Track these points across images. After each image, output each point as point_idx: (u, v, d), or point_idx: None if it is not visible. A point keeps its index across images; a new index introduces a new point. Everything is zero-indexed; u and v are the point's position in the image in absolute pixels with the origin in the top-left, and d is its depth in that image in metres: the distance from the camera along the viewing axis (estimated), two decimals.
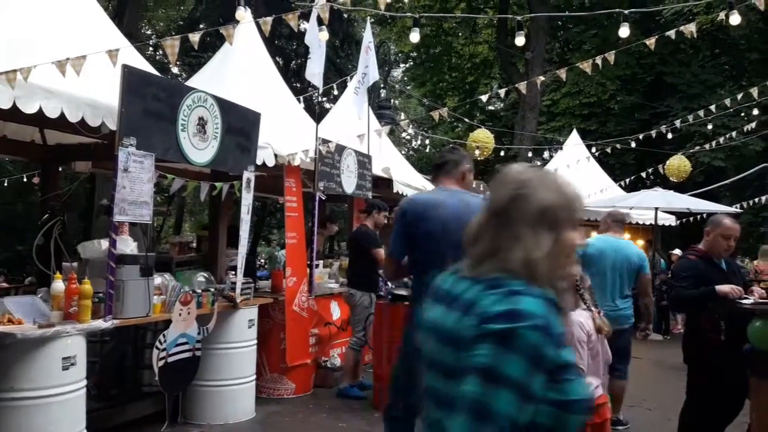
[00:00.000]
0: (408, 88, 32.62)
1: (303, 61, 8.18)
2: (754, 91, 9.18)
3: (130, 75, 4.34)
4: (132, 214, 4.44)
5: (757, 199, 16.70)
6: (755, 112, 13.30)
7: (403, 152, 23.61)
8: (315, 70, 7.04)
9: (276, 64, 10.31)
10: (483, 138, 13.73)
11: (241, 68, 7.29)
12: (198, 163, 5.10)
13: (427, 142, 23.23)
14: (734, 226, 4.51)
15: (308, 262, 6.91)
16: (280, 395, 6.38)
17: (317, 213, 7.05)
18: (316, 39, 6.59)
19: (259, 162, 5.89)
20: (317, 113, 8.19)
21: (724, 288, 4.23)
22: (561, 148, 14.97)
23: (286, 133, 6.81)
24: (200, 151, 5.06)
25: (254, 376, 5.78)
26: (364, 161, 7.87)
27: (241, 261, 5.65)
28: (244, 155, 5.59)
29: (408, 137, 30.39)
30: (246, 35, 7.52)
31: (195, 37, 4.84)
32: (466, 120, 22.40)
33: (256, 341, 5.79)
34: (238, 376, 5.57)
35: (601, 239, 6.08)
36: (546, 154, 15.65)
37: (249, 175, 5.65)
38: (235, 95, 5.76)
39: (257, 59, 7.69)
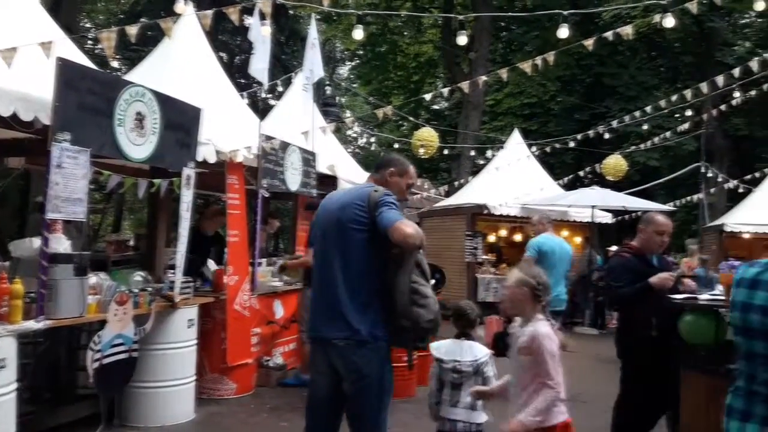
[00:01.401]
0: (354, 86, 32.60)
1: (247, 57, 8.09)
2: (688, 93, 9.54)
3: (64, 68, 4.21)
4: (66, 212, 4.31)
5: (689, 198, 17.36)
6: (688, 113, 13.83)
7: (349, 150, 23.61)
8: (259, 66, 6.97)
9: (220, 59, 10.17)
10: (427, 137, 13.83)
11: (181, 63, 7.15)
12: (135, 159, 4.98)
13: (372, 140, 23.27)
14: (667, 222, 4.67)
15: (251, 260, 6.84)
16: (221, 395, 6.29)
17: (260, 210, 6.97)
18: (260, 34, 6.52)
19: (200, 158, 5.79)
20: (261, 109, 8.12)
21: (655, 279, 4.37)
22: (503, 148, 15.21)
23: (228, 129, 6.72)
24: (138, 146, 4.94)
25: (194, 377, 5.68)
26: (308, 158, 7.83)
27: (180, 259, 5.54)
28: (184, 151, 5.48)
29: (354, 135, 30.43)
30: (188, 29, 7.38)
31: (132, 30, 4.73)
32: (411, 119, 22.53)
33: (196, 341, 5.69)
34: (177, 377, 5.46)
35: (549, 238, 7.20)
36: (489, 153, 15.88)
37: (189, 171, 5.55)
38: (175, 90, 5.65)
39: (199, 54, 7.56)
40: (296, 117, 8.65)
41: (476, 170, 18.03)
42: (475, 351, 3.78)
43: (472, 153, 18.86)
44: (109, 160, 5.30)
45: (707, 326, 4.21)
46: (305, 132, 7.78)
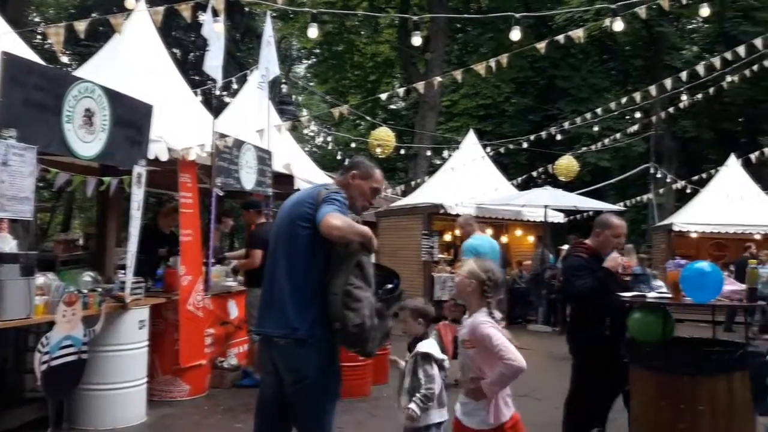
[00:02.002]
0: (311, 84, 32.45)
1: (202, 54, 7.97)
2: (637, 96, 9.78)
3: (9, 63, 4.10)
4: (11, 210, 4.19)
5: (639, 198, 17.81)
6: (638, 115, 14.19)
7: (306, 149, 23.50)
8: (213, 63, 6.89)
9: (173, 55, 10.02)
10: (384, 136, 13.87)
11: (133, 59, 7.02)
12: (84, 156, 4.87)
13: (329, 139, 23.21)
14: (622, 224, 4.81)
15: (204, 260, 6.75)
16: (174, 397, 6.18)
17: (214, 209, 6.89)
18: (213, 31, 6.45)
19: (151, 156, 5.70)
20: (215, 107, 8.02)
21: (608, 262, 4.50)
22: (459, 148, 15.35)
23: (181, 127, 6.62)
24: (87, 144, 4.83)
25: (145, 379, 5.58)
26: (264, 157, 7.76)
27: (130, 259, 5.44)
28: (135, 149, 5.38)
29: (311, 134, 30.28)
30: (139, 25, 7.25)
31: (81, 26, 4.63)
32: (368, 118, 22.56)
33: (147, 342, 5.58)
34: (127, 379, 5.36)
35: (482, 238, 7.58)
36: (445, 153, 16.01)
37: (140, 169, 5.45)
38: (126, 86, 5.55)
39: (151, 50, 7.42)
40: (251, 115, 8.57)
41: (433, 170, 18.16)
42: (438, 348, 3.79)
43: (429, 153, 18.99)
44: (57, 157, 5.17)
45: (655, 323, 4.32)
46: (260, 130, 7.72)
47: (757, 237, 14.66)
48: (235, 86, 13.28)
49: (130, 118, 5.28)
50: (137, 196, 5.47)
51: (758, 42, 8.15)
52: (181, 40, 20.87)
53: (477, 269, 3.22)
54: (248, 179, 7.35)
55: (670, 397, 4.12)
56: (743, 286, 4.70)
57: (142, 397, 5.55)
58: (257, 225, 7.07)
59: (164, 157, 5.95)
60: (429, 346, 3.67)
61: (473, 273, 3.21)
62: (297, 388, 3.06)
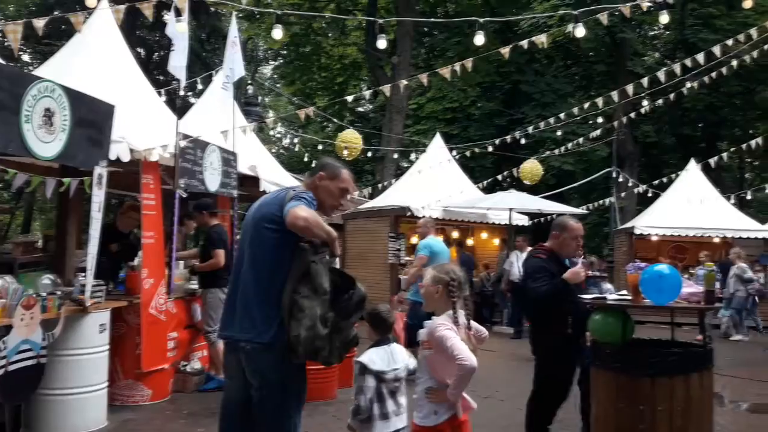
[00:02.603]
0: (277, 86, 32.28)
1: (166, 53, 7.84)
2: (600, 101, 9.93)
3: None
4: None
5: (602, 201, 18.10)
6: (600, 120, 14.42)
7: (272, 151, 23.35)
8: (178, 63, 6.81)
9: (137, 55, 9.88)
10: (351, 138, 13.86)
11: (94, 58, 6.89)
12: (43, 157, 4.76)
13: (296, 141, 23.12)
14: (579, 226, 4.89)
15: (167, 262, 6.66)
16: (136, 402, 6.09)
17: (177, 211, 6.80)
18: (176, 31, 6.37)
19: (113, 157, 5.60)
20: (179, 107, 7.93)
21: (568, 274, 4.55)
22: (425, 151, 15.42)
23: (143, 127, 6.52)
24: (46, 144, 4.73)
25: (106, 384, 5.49)
26: (228, 158, 7.69)
27: (91, 262, 5.34)
28: (96, 149, 5.29)
29: (278, 136, 30.13)
30: (101, 24, 7.13)
31: (39, 23, 4.53)
32: (336, 120, 22.53)
33: (108, 346, 5.49)
34: (87, 384, 5.26)
35: (436, 240, 8.04)
36: (413, 156, 16.07)
37: (101, 170, 5.36)
38: (87, 86, 5.45)
39: (113, 49, 7.30)
40: (216, 116, 8.48)
41: (400, 173, 18.21)
42: (402, 353, 3.69)
43: (396, 156, 19.05)
44: (16, 158, 5.06)
45: (615, 325, 4.39)
46: (225, 131, 7.65)
47: (716, 240, 15.01)
48: (200, 87, 13.14)
49: (91, 118, 5.19)
50: (98, 197, 5.38)
51: (717, 49, 8.36)
52: (146, 40, 20.62)
53: (438, 273, 3.26)
54: (212, 181, 7.27)
55: (630, 398, 4.19)
56: (701, 289, 4.81)
57: (103, 402, 5.46)
58: (213, 226, 7.03)
59: (126, 157, 5.86)
60: (367, 356, 3.51)
61: (437, 278, 3.24)
62: (263, 393, 3.03)
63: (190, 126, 7.49)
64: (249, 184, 8.58)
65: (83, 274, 5.49)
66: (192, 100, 15.22)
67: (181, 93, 8.58)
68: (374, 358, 3.48)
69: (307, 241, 2.99)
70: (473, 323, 3.31)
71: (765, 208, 21.59)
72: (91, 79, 6.14)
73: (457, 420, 3.15)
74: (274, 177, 9.54)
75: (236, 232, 8.38)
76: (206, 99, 10.30)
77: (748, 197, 18.15)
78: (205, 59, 19.93)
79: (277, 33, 6.98)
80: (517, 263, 11.65)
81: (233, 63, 8.04)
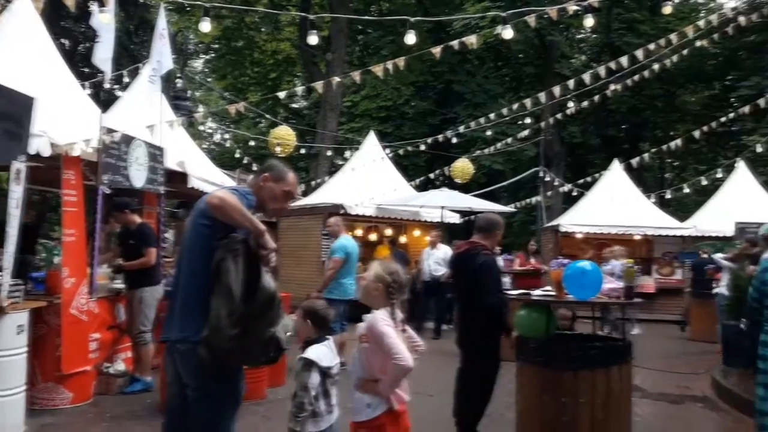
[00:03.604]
0: (209, 80, 31.66)
1: (93, 45, 7.55)
2: (528, 102, 10.17)
3: None
4: None
5: (529, 200, 18.58)
6: (528, 120, 14.78)
7: (203, 146, 22.89)
8: (103, 55, 6.60)
9: (61, 46, 9.50)
10: (284, 135, 13.75)
11: (14, 48, 6.59)
12: None
13: (227, 136, 22.75)
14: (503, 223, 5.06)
15: (90, 261, 6.44)
16: (56, 405, 5.87)
17: (100, 208, 6.59)
18: (101, 21, 6.18)
19: (32, 151, 5.38)
20: (103, 100, 7.68)
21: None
22: (359, 149, 15.45)
23: (66, 121, 6.29)
24: None
25: (24, 386, 5.26)
26: (155, 154, 7.49)
27: (8, 260, 5.11)
28: (14, 143, 5.06)
29: (210, 131, 29.55)
30: (21, 13, 6.84)
31: None
32: (268, 116, 22.28)
33: (26, 348, 5.26)
34: (4, 387, 5.01)
35: (348, 239, 8.13)
36: (347, 154, 16.07)
37: (19, 165, 5.12)
38: (5, 77, 5.23)
39: (34, 39, 7.00)
40: (143, 110, 8.26)
41: (334, 170, 18.18)
42: (334, 350, 3.71)
43: (330, 153, 19.00)
44: None
45: (539, 320, 4.53)
46: (151, 126, 7.45)
47: (637, 238, 15.62)
48: (127, 80, 12.76)
49: (9, 110, 4.96)
50: (15, 193, 5.14)
51: (640, 53, 8.68)
52: (71, 31, 19.84)
53: (383, 272, 3.27)
54: (138, 177, 7.07)
55: (553, 392, 4.33)
56: (621, 284, 5.01)
57: (21, 405, 5.22)
58: (141, 224, 6.84)
59: (47, 152, 5.63)
60: (314, 352, 3.47)
61: (379, 276, 3.25)
62: (197, 394, 2.97)
63: (116, 120, 7.28)
64: (177, 180, 8.38)
65: (0, 273, 5.25)
66: (119, 93, 14.74)
67: (107, 86, 8.32)
68: (320, 354, 3.48)
69: (227, 235, 2.90)
70: (410, 330, 3.33)
71: (684, 207, 22.60)
72: (10, 70, 5.88)
73: (395, 411, 3.17)
74: (204, 173, 9.37)
75: (163, 230, 8.19)
76: (133, 92, 10.00)
77: (668, 196, 19.03)
78: (133, 52, 19.34)
79: (205, 26, 6.86)
80: (427, 260, 11.76)
81: (161, 56, 7.86)
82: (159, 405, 5.81)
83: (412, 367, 3.05)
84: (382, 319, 3.15)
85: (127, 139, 6.83)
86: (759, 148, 16.25)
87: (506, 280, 10.13)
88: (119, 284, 7.01)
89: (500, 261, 14.59)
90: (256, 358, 3.02)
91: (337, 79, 8.73)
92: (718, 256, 10.86)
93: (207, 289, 2.87)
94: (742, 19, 8.94)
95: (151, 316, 6.66)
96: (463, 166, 15.01)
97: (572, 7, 7.56)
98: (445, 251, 11.56)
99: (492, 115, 10.99)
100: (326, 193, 14.55)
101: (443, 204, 12.91)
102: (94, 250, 6.57)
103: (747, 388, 5.92)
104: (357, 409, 3.19)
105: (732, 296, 8.65)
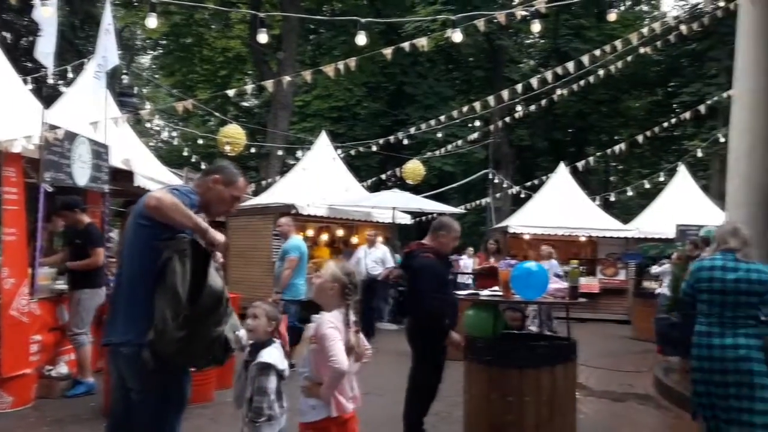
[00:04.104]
0: (156, 77, 31.03)
1: (36, 39, 7.32)
2: (477, 105, 10.29)
3: None
4: None
5: (479, 201, 18.82)
6: (478, 123, 14.97)
7: (150, 144, 22.43)
8: (45, 49, 6.42)
9: (3, 39, 9.18)
10: (234, 134, 13.56)
11: None
12: None
13: (174, 134, 22.36)
14: (459, 227, 5.13)
15: (31, 261, 6.25)
16: None
17: (42, 207, 6.39)
18: (44, 15, 6.01)
19: None
20: (46, 96, 7.47)
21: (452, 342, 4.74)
22: (311, 148, 15.38)
23: (6, 117, 6.11)
24: None
25: None
26: (100, 151, 7.30)
27: None
28: None
29: (157, 128, 28.97)
30: None
31: None
32: (218, 114, 21.99)
33: None
34: None
35: (300, 239, 8.30)
36: (299, 153, 15.97)
37: None
38: None
39: None
40: (87, 106, 8.05)
41: (285, 170, 18.06)
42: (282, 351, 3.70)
43: (281, 153, 18.86)
44: None
45: (487, 320, 4.60)
46: (95, 122, 7.28)
47: (582, 239, 15.98)
48: (71, 75, 12.42)
49: None
50: None
51: (586, 59, 8.88)
52: (13, 24, 19.18)
53: (339, 273, 3.24)
54: (81, 174, 6.88)
55: (499, 390, 4.40)
56: (566, 285, 5.13)
57: None
58: (88, 224, 6.67)
59: None
60: (270, 356, 3.49)
61: (336, 276, 3.23)
62: (141, 397, 2.92)
63: (59, 116, 7.07)
64: (122, 178, 8.19)
65: None
66: (63, 89, 14.34)
67: (50, 81, 8.10)
68: (276, 357, 3.46)
69: (172, 236, 2.84)
70: (361, 336, 3.30)
71: (627, 210, 23.25)
72: None
73: (342, 417, 3.16)
74: (150, 171, 9.18)
75: (107, 229, 8.00)
76: (77, 88, 9.74)
77: (612, 199, 19.52)
78: (77, 46, 18.82)
79: (152, 22, 6.74)
80: (364, 259, 11.77)
81: (106, 51, 7.68)
82: (102, 408, 5.66)
83: (345, 372, 3.04)
84: (329, 321, 3.13)
85: (71, 136, 6.65)
86: (699, 153, 16.88)
87: (467, 281, 10.23)
88: (62, 285, 6.82)
89: (469, 261, 14.81)
90: (202, 359, 2.97)
91: (288, 78, 8.69)
92: (656, 270, 11.72)
93: (150, 291, 2.81)
94: (683, 28, 9.22)
95: (87, 319, 6.49)
96: (414, 168, 15.10)
97: (520, 13, 7.69)
98: (383, 251, 11.62)
99: (443, 117, 11.09)
100: (277, 193, 14.42)
101: (395, 205, 12.96)
102: (36, 250, 6.38)
103: (687, 386, 6.12)
104: (302, 411, 3.18)
105: (672, 296, 8.94)
